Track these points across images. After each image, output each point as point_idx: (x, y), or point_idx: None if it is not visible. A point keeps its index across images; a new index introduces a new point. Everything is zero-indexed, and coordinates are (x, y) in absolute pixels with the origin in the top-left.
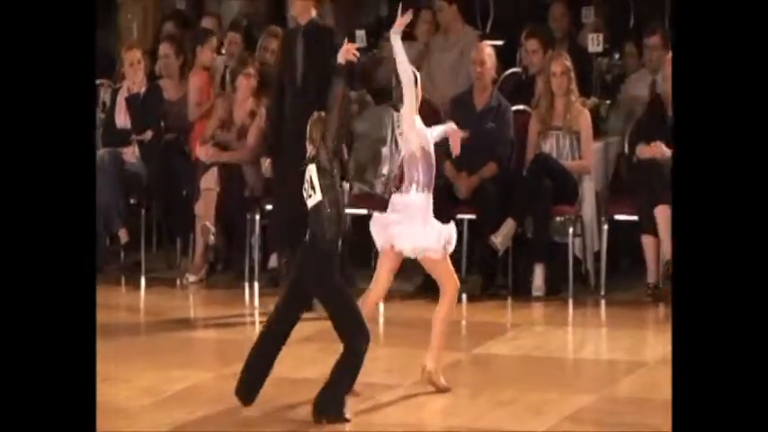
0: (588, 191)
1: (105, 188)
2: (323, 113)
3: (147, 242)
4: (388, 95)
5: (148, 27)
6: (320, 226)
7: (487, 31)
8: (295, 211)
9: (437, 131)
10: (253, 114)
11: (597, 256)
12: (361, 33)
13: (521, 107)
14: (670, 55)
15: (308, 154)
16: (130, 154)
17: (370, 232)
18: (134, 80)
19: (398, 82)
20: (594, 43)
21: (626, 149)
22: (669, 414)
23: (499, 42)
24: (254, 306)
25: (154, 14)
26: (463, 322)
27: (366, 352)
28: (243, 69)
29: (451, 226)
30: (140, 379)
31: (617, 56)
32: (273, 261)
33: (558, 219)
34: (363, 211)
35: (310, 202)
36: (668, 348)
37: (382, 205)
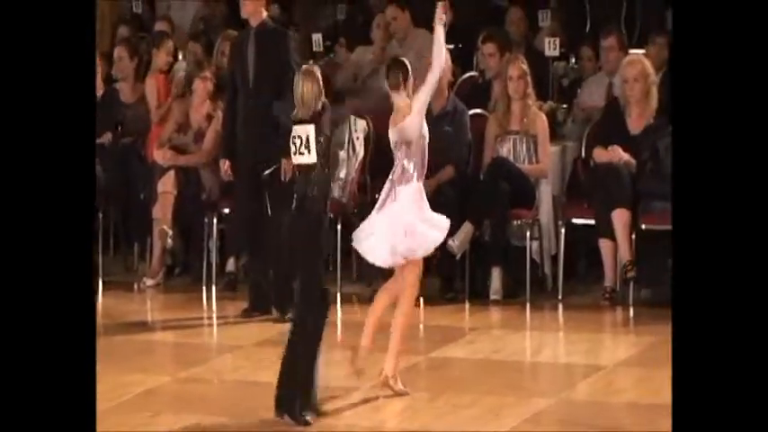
0: (545, 194)
1: None
2: (313, 66)
3: (105, 246)
4: (345, 98)
5: (105, 31)
6: (310, 187)
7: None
8: (252, 214)
9: None
10: (209, 118)
11: (555, 259)
12: (317, 37)
13: (478, 111)
14: (627, 58)
15: (298, 113)
16: None
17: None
18: None
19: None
20: (551, 47)
21: (583, 153)
22: (626, 417)
23: (456, 46)
24: (212, 310)
25: (110, 18)
26: (421, 326)
27: (322, 329)
28: (199, 73)
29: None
30: (98, 383)
31: (573, 60)
32: (231, 265)
33: (515, 222)
34: None
35: (301, 161)
36: (626, 351)
37: (339, 209)
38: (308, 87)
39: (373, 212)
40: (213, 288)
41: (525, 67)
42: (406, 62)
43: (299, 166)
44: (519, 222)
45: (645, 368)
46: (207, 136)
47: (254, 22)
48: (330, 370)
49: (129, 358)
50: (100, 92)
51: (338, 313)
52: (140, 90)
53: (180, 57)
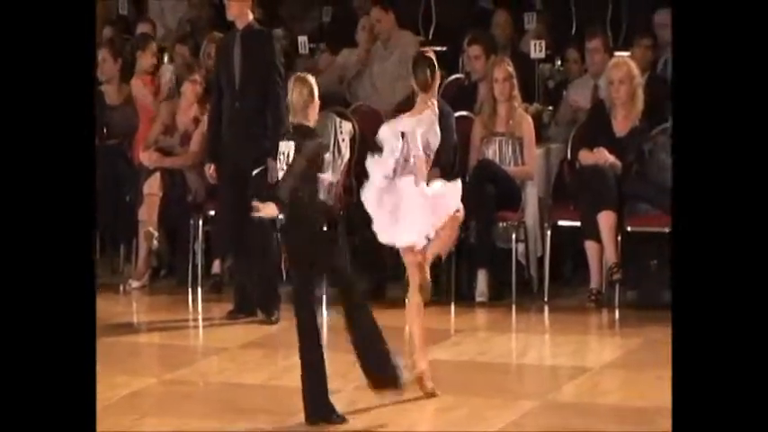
0: (531, 197)
1: None
2: (306, 75)
3: None
4: (331, 101)
5: None
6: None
7: (430, 37)
8: (237, 217)
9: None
10: (197, 121)
11: (540, 261)
12: (303, 39)
13: (463, 113)
14: (612, 60)
15: (289, 121)
16: None
17: None
18: None
19: None
20: (537, 49)
21: (569, 155)
22: (612, 419)
23: (442, 48)
24: (198, 312)
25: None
26: (406, 328)
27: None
28: (189, 76)
29: None
30: None
31: (559, 62)
32: (216, 267)
33: (501, 224)
34: None
35: (281, 174)
36: (612, 353)
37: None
38: (297, 95)
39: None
40: (199, 290)
41: (511, 69)
42: (433, 59)
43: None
44: (505, 224)
45: (630, 370)
46: (193, 138)
47: (239, 24)
48: None
49: (114, 360)
50: None
51: (324, 316)
52: (125, 92)
53: (166, 59)
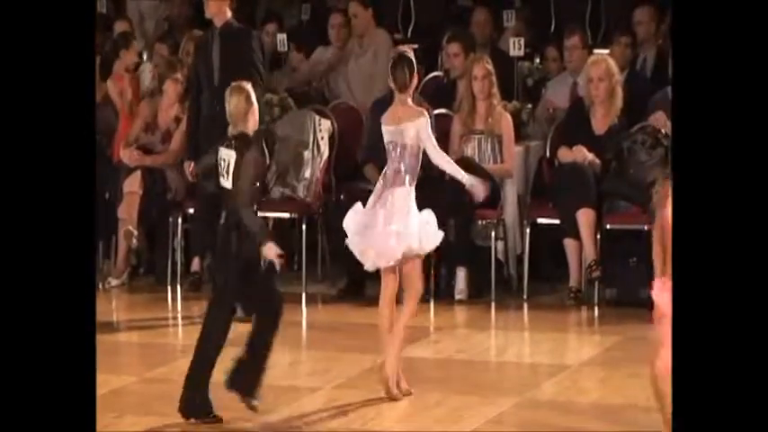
0: (510, 194)
1: None
2: (241, 83)
3: None
4: (310, 99)
5: None
6: (231, 209)
7: (409, 34)
8: (216, 215)
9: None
10: (178, 120)
11: (520, 259)
12: (282, 37)
13: (442, 111)
14: (591, 58)
15: (229, 132)
16: None
17: (292, 236)
18: None
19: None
20: (516, 47)
21: (548, 153)
22: (591, 416)
23: (420, 46)
24: (177, 310)
25: None
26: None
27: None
28: (171, 74)
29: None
30: None
31: (538, 60)
32: (196, 265)
33: (480, 222)
34: (285, 215)
35: (223, 184)
36: (591, 351)
37: (304, 209)
38: (234, 104)
39: (361, 213)
40: (178, 288)
41: (490, 66)
42: (412, 58)
43: (223, 189)
44: (484, 222)
45: (609, 368)
46: (174, 137)
47: (218, 23)
48: (295, 370)
49: None
50: None
51: (303, 313)
52: (103, 90)
53: (144, 57)
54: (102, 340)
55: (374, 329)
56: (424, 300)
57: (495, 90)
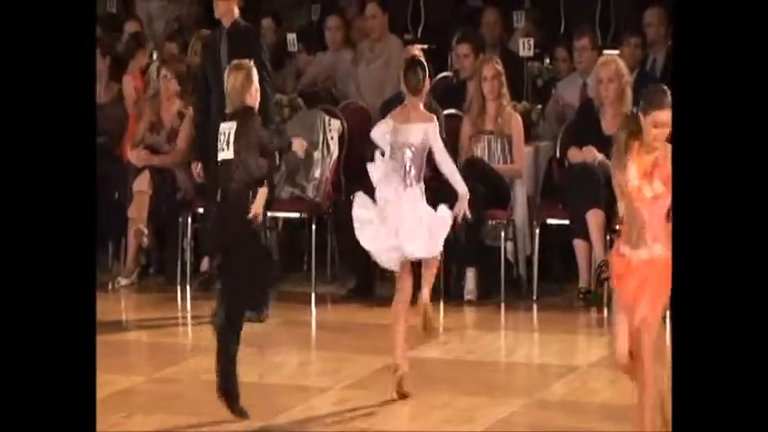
0: (520, 195)
1: None
2: (242, 60)
3: None
4: (320, 99)
5: None
6: (231, 182)
7: (419, 35)
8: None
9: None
10: (181, 115)
11: (529, 260)
12: (292, 37)
13: (452, 111)
14: (601, 59)
15: (229, 107)
16: None
17: (301, 236)
18: None
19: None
20: (525, 48)
21: (557, 153)
22: (601, 417)
23: (431, 46)
24: (186, 310)
25: None
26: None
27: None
28: (162, 72)
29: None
30: None
31: (548, 60)
32: (205, 264)
33: (489, 223)
34: (295, 215)
35: (222, 156)
36: (600, 352)
37: (314, 209)
38: (232, 81)
39: (375, 215)
40: (187, 288)
41: (500, 67)
42: (424, 62)
43: (221, 162)
44: (493, 223)
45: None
46: (180, 135)
47: (226, 22)
48: (305, 370)
49: (102, 358)
50: None
51: (313, 313)
52: (113, 90)
53: (154, 57)
54: (112, 340)
55: (384, 329)
56: (434, 300)
57: (505, 90)
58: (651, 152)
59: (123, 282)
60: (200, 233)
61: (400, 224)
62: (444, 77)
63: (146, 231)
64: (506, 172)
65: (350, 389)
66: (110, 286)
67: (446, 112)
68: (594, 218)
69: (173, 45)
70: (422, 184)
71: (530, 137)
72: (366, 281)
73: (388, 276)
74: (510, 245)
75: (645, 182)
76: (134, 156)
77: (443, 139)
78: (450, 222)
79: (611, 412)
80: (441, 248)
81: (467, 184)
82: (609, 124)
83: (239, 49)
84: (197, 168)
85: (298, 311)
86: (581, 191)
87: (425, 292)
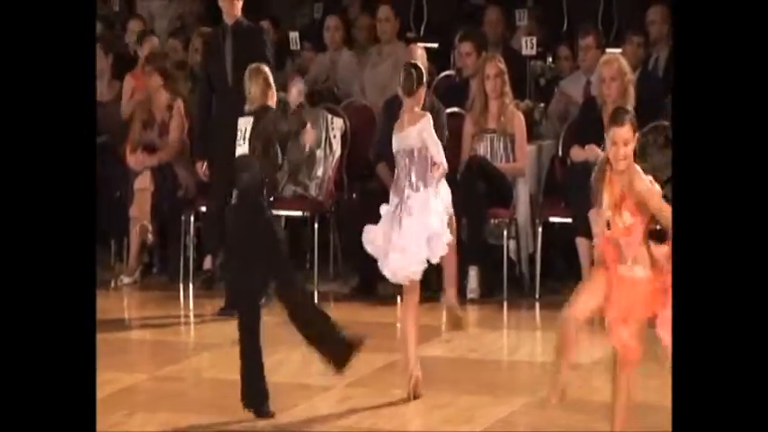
0: (522, 193)
1: None
2: (261, 65)
3: None
4: (322, 98)
5: None
6: (245, 176)
7: (421, 33)
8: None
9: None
10: (170, 108)
11: (531, 258)
12: (294, 35)
13: (455, 109)
14: (603, 57)
15: (247, 107)
16: None
17: (304, 235)
18: None
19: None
20: (528, 46)
21: (560, 152)
22: (603, 416)
23: (433, 45)
24: (189, 308)
25: None
26: (398, 324)
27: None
28: (147, 67)
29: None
30: None
31: (550, 59)
32: (208, 263)
33: (492, 221)
34: (298, 214)
35: (238, 152)
36: (603, 350)
37: (316, 207)
38: (254, 86)
39: (385, 227)
40: (190, 286)
41: (502, 65)
42: (421, 66)
43: (238, 157)
44: (496, 221)
45: None
46: (171, 127)
47: (229, 20)
48: (307, 368)
49: (105, 356)
50: None
51: None
52: (115, 88)
53: None
54: (114, 338)
55: (386, 328)
56: (436, 299)
57: (508, 89)
58: (620, 178)
59: (126, 280)
60: (203, 231)
61: (405, 242)
62: (447, 76)
63: (150, 227)
64: (509, 171)
65: (352, 387)
66: (112, 284)
67: (449, 110)
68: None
69: (176, 41)
70: (433, 185)
71: (532, 135)
72: (369, 279)
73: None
74: (512, 243)
75: (615, 213)
76: (132, 160)
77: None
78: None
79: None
80: (446, 248)
81: (469, 184)
82: None
83: (243, 48)
84: (202, 167)
85: None
86: (583, 189)
87: (450, 293)
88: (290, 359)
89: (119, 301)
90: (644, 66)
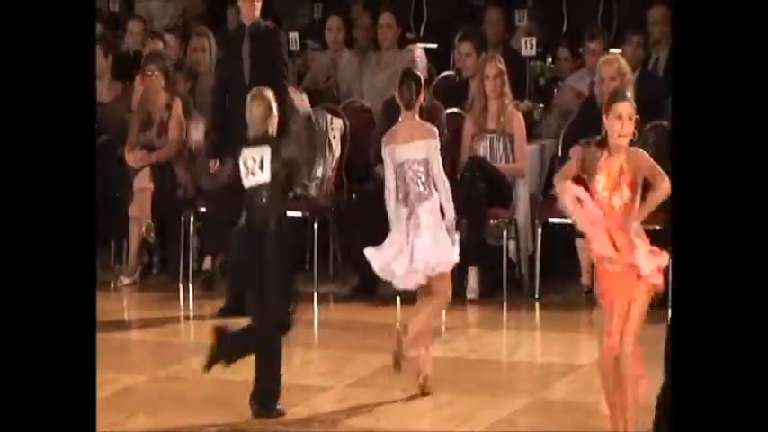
0: (522, 194)
1: None
2: (263, 90)
3: None
4: (322, 98)
5: None
6: (261, 206)
7: (421, 34)
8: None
9: None
10: (168, 108)
11: (531, 259)
12: (294, 36)
13: (454, 110)
14: (603, 57)
15: (250, 133)
16: None
17: (304, 235)
18: None
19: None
20: (528, 47)
21: (560, 152)
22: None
23: (433, 45)
24: (189, 308)
25: None
26: (397, 325)
27: (278, 339)
28: (148, 68)
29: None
30: None
31: (550, 59)
32: (208, 263)
33: (492, 222)
34: (297, 214)
35: (255, 181)
36: None
37: (316, 208)
38: (257, 110)
39: (397, 238)
40: (190, 286)
41: (502, 66)
42: (420, 76)
43: (253, 186)
44: (496, 222)
45: None
46: (170, 125)
47: (247, 21)
48: (307, 369)
49: (104, 357)
50: None
51: (315, 312)
52: (116, 88)
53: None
54: (114, 339)
55: (386, 328)
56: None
57: (507, 89)
58: (617, 156)
59: (125, 281)
60: (203, 231)
61: (414, 246)
62: (446, 76)
63: (152, 225)
64: (508, 171)
65: (352, 387)
66: (112, 285)
67: (448, 110)
68: None
69: (172, 38)
70: (434, 198)
71: (532, 136)
72: (368, 280)
73: None
74: (512, 244)
75: (613, 192)
76: (131, 158)
77: (445, 139)
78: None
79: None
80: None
81: (469, 183)
82: None
83: (261, 49)
84: (215, 165)
85: (300, 310)
86: None
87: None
88: (289, 360)
89: (119, 301)
90: (644, 66)
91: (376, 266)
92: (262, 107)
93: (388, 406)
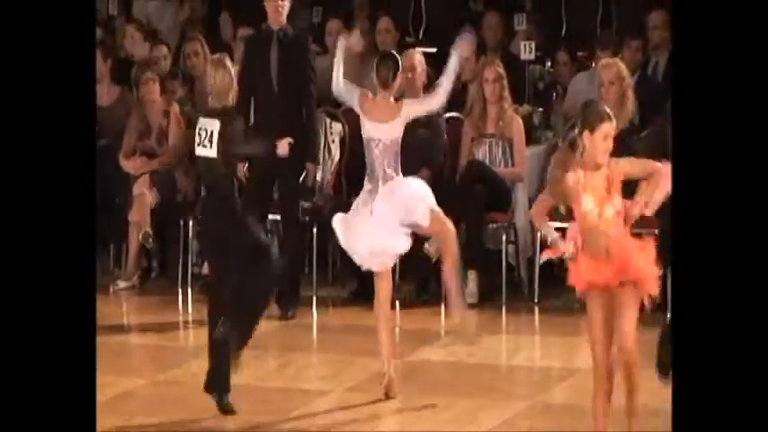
0: (521, 198)
1: None
2: (224, 56)
3: None
4: (322, 102)
5: None
6: (215, 179)
7: (420, 38)
8: (263, 215)
9: None
10: (167, 114)
11: (531, 262)
12: None
13: (454, 114)
14: (602, 61)
15: (211, 103)
16: None
17: (303, 239)
18: None
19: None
20: (526, 51)
21: None
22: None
23: (432, 49)
24: (188, 312)
25: None
26: (397, 329)
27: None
28: (143, 75)
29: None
30: None
31: (549, 63)
32: (207, 267)
33: (491, 226)
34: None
35: (203, 153)
36: None
37: (315, 211)
38: (218, 79)
39: (357, 215)
40: (189, 290)
41: (501, 70)
42: (398, 57)
43: (203, 157)
44: (495, 226)
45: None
46: (170, 132)
47: (275, 25)
48: (306, 373)
49: (104, 361)
50: None
51: (314, 316)
52: (115, 92)
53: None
54: (113, 342)
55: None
56: (435, 303)
57: (507, 93)
58: (600, 171)
59: (122, 285)
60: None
61: (379, 225)
62: None
63: (151, 233)
64: (507, 175)
65: (351, 392)
66: (111, 289)
67: (447, 114)
68: None
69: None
70: (396, 179)
71: (531, 140)
72: (367, 283)
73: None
74: (511, 248)
75: (604, 204)
76: (130, 165)
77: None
78: (425, 195)
79: (612, 415)
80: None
81: (468, 188)
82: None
83: (289, 55)
84: (243, 167)
85: (299, 314)
86: None
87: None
88: (288, 364)
89: (118, 305)
90: (643, 70)
91: (341, 239)
92: (227, 79)
93: (388, 409)
